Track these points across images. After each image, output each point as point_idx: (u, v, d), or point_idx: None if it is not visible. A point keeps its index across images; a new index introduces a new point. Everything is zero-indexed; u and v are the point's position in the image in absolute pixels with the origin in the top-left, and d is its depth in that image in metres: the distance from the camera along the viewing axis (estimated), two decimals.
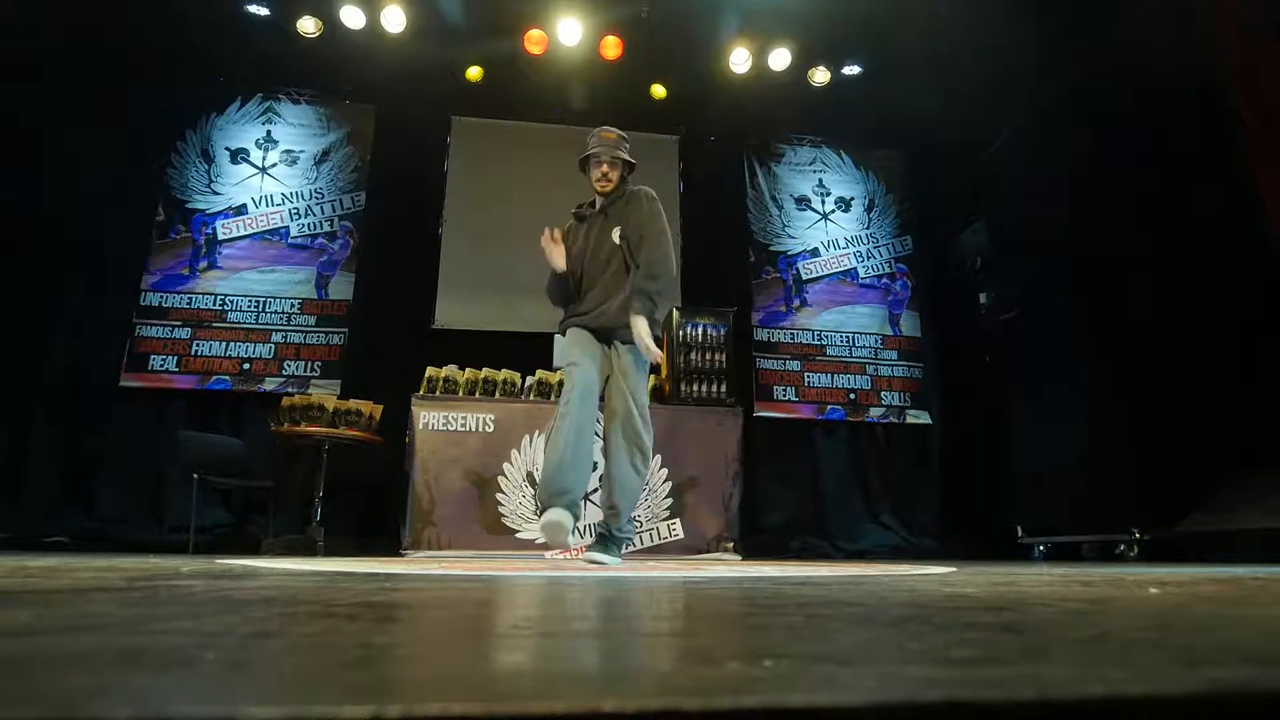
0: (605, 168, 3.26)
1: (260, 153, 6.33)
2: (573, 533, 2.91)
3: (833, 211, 7.12)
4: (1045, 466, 5.48)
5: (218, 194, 6.16)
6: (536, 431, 4.56)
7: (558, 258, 3.23)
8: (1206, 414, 4.33)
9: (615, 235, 3.25)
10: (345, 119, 6.53)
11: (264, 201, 6.21)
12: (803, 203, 7.11)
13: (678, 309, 5.36)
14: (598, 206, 3.33)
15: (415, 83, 6.42)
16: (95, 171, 5.55)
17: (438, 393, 4.70)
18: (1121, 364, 4.91)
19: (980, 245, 6.54)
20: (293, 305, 5.99)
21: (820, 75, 6.66)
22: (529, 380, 4.88)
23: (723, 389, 5.11)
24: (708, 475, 4.71)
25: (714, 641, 0.69)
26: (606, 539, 3.04)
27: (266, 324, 5.91)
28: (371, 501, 5.42)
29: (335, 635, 0.67)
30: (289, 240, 6.16)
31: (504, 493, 4.45)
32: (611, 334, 3.16)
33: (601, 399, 3.17)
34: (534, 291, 6.18)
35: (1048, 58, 5.55)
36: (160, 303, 5.81)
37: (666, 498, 4.62)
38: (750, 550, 4.96)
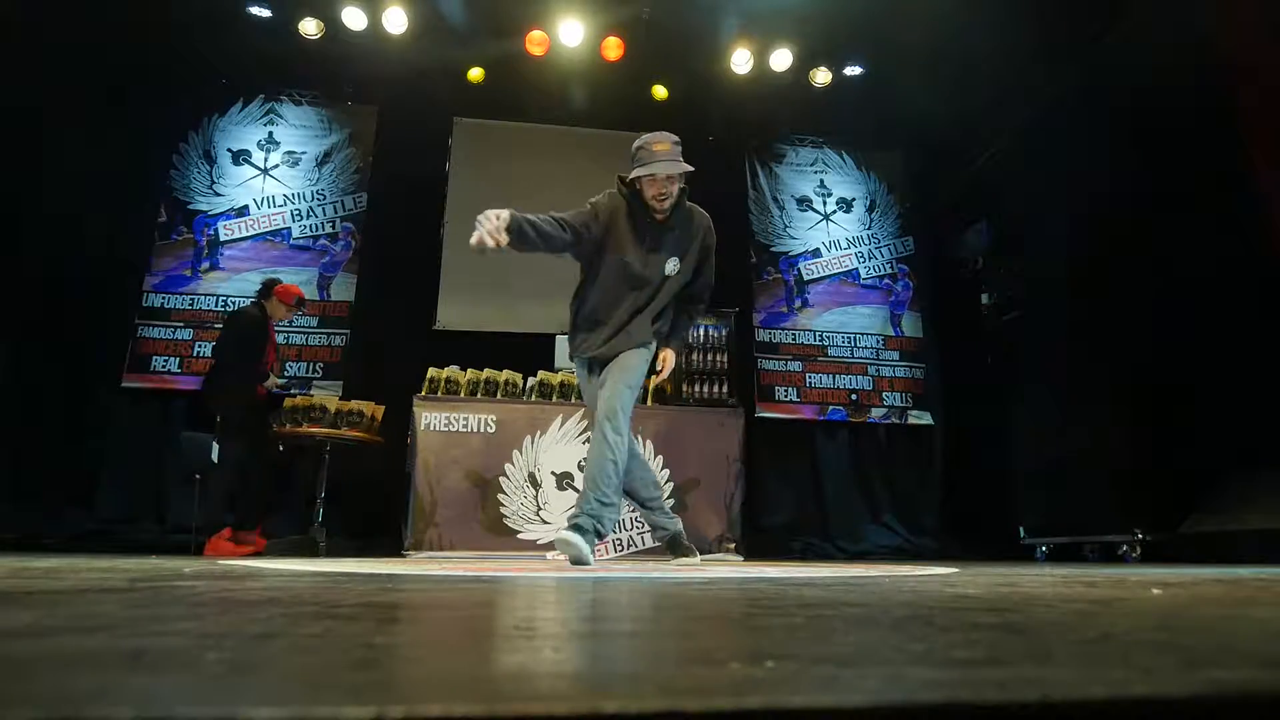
0: (663, 186, 2.98)
1: (262, 154, 6.34)
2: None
3: (834, 212, 7.12)
4: (1047, 467, 5.47)
5: (220, 195, 6.17)
6: (538, 432, 4.56)
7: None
8: (1208, 414, 4.33)
9: (670, 266, 3.10)
10: (347, 120, 6.54)
11: (266, 203, 6.21)
12: (804, 203, 7.11)
13: None
14: (654, 220, 3.07)
15: (417, 84, 6.42)
16: (96, 172, 5.56)
17: (439, 393, 4.70)
18: (1123, 364, 4.90)
19: (981, 245, 6.53)
20: None
21: (821, 76, 6.66)
22: (530, 381, 4.89)
23: (724, 389, 5.11)
24: (709, 476, 4.71)
25: (716, 642, 0.69)
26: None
27: None
28: (373, 502, 5.42)
29: (337, 636, 0.67)
30: (291, 241, 6.17)
31: (505, 493, 4.45)
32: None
33: None
34: (535, 293, 6.23)
35: (1048, 58, 5.55)
36: (162, 304, 5.82)
37: (668, 498, 4.62)
38: (752, 551, 4.95)
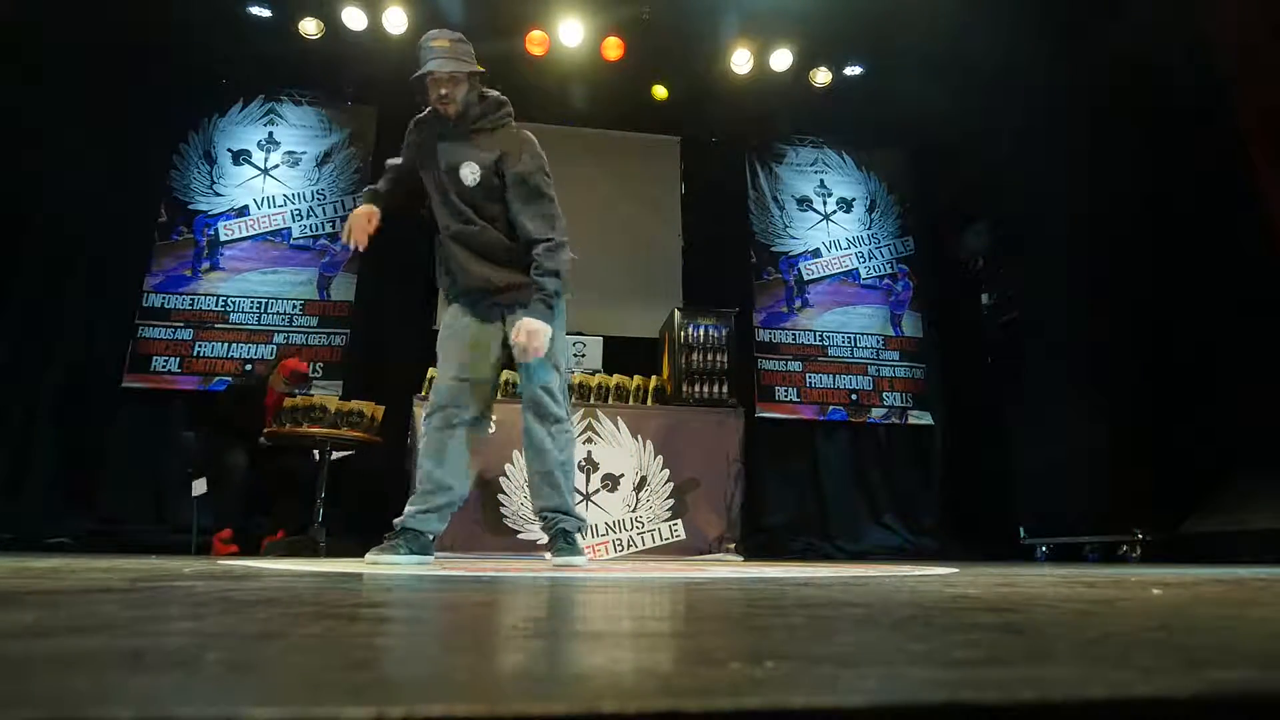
0: (444, 89, 2.69)
1: (262, 154, 6.34)
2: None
3: (834, 212, 7.12)
4: (1047, 467, 5.48)
5: (220, 195, 6.17)
6: None
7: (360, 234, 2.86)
8: (1208, 414, 4.33)
9: (470, 175, 2.74)
10: (347, 120, 6.54)
11: (266, 203, 6.21)
12: (804, 203, 7.11)
13: (679, 309, 5.36)
14: (450, 121, 2.78)
15: None
16: (96, 172, 5.56)
17: None
18: (1123, 364, 4.90)
19: (982, 245, 6.54)
20: (295, 306, 6.00)
21: (821, 76, 6.67)
22: None
23: (724, 390, 5.11)
24: (709, 476, 4.71)
25: (715, 642, 0.69)
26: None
27: (269, 325, 5.92)
28: (373, 502, 5.42)
29: (337, 636, 0.67)
30: (291, 241, 6.17)
31: (506, 494, 4.45)
32: (503, 308, 2.84)
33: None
34: None
35: (1048, 57, 5.55)
36: (162, 304, 5.82)
37: (668, 499, 4.62)
38: (752, 551, 4.95)
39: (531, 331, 2.66)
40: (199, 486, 4.57)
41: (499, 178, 2.77)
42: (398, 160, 3.02)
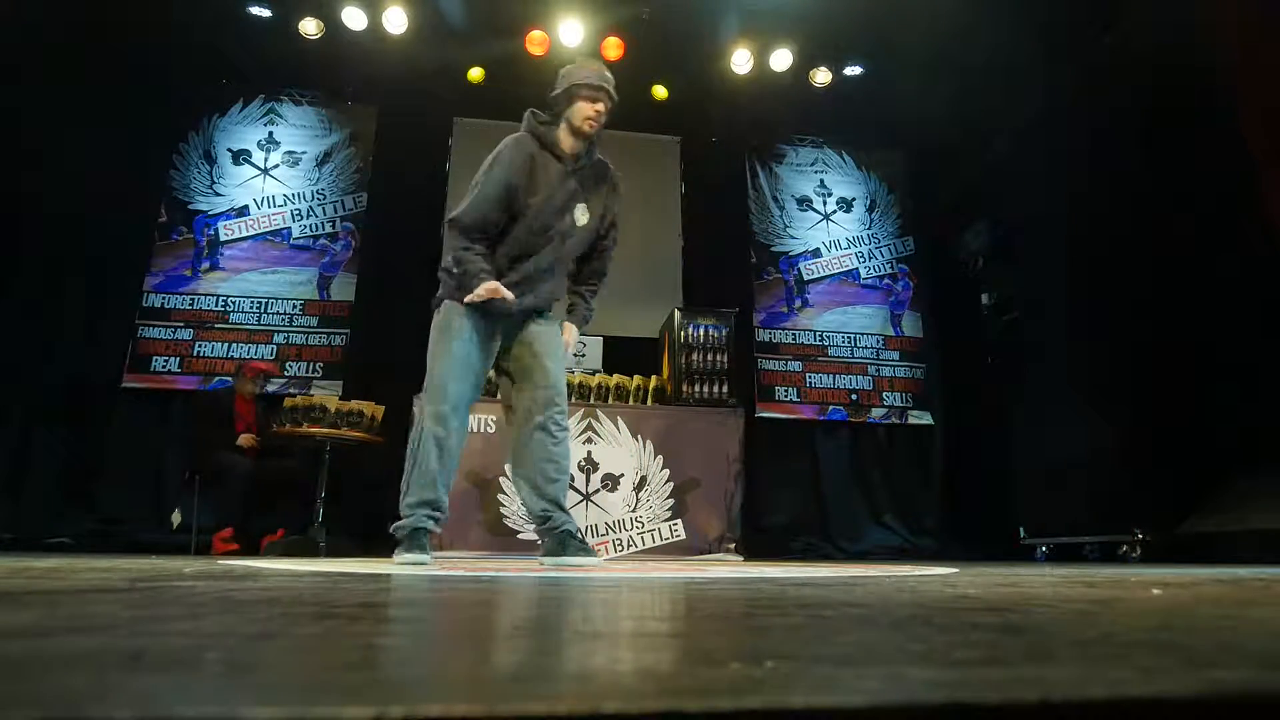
0: (601, 109, 2.85)
1: (262, 154, 6.34)
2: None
3: (834, 212, 7.12)
4: (1048, 467, 5.48)
5: (220, 195, 6.17)
6: None
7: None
8: (1208, 414, 4.33)
9: (582, 216, 2.86)
10: (347, 120, 6.54)
11: (266, 203, 6.21)
12: (804, 203, 7.11)
13: (679, 309, 5.36)
14: (570, 159, 2.89)
15: (417, 84, 6.42)
16: (96, 172, 5.56)
17: None
18: (1123, 364, 4.90)
19: (981, 245, 6.53)
20: (295, 306, 6.00)
21: (821, 76, 6.67)
22: None
23: (724, 390, 5.10)
24: (709, 476, 4.70)
25: (716, 642, 0.69)
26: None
27: (268, 325, 5.92)
28: (373, 502, 5.42)
29: (337, 636, 0.67)
30: (291, 241, 6.17)
31: (505, 494, 4.44)
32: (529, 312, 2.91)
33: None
34: None
35: (1048, 58, 5.55)
36: (162, 304, 5.82)
37: (668, 498, 4.62)
38: (752, 551, 4.95)
39: (578, 341, 3.08)
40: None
41: (603, 220, 2.98)
42: (488, 209, 2.87)
